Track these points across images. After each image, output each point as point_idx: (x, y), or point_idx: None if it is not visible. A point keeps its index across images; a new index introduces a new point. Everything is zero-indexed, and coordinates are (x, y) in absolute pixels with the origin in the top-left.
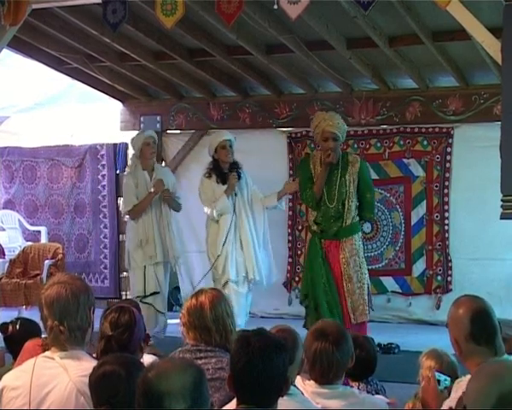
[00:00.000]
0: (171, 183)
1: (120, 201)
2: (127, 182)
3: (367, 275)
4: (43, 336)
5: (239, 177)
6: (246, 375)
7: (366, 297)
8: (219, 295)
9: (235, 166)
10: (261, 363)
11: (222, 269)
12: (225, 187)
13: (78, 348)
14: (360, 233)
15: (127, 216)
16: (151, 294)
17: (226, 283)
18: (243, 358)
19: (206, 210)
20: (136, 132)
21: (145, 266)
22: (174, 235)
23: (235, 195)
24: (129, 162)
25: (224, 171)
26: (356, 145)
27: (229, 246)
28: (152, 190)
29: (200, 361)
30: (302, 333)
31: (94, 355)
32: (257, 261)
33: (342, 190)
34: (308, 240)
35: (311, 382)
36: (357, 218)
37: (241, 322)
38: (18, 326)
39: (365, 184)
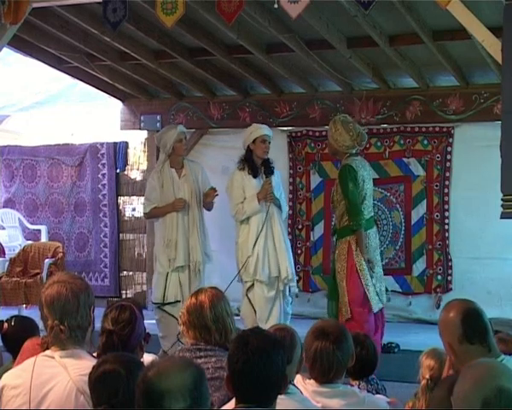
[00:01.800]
0: (202, 180)
1: (120, 200)
2: (152, 182)
3: (344, 285)
4: (41, 334)
5: (272, 172)
6: (245, 374)
7: (342, 300)
8: (219, 295)
9: (267, 163)
10: (260, 361)
11: (253, 270)
12: (255, 182)
13: (79, 348)
14: (348, 239)
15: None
16: (169, 303)
17: (252, 285)
18: (242, 357)
19: (232, 210)
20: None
21: (168, 273)
22: (201, 238)
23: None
24: (130, 161)
25: (256, 165)
26: None
27: (261, 246)
28: (177, 203)
29: (199, 360)
30: (301, 332)
31: (94, 354)
32: (290, 260)
33: (333, 195)
34: None
35: (312, 381)
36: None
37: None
38: (13, 323)
39: (341, 191)
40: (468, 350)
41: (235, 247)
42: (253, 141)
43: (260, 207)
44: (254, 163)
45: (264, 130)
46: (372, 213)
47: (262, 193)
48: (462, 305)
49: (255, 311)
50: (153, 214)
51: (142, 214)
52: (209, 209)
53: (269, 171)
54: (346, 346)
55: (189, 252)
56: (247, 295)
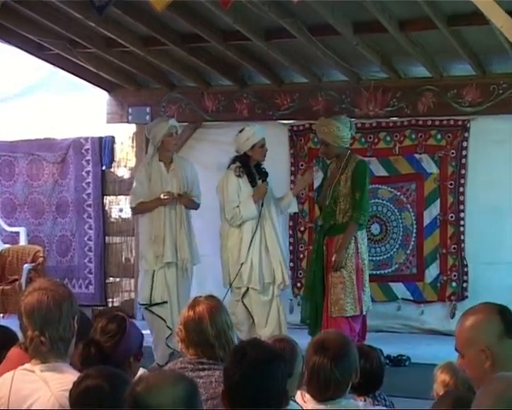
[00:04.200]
0: (190, 177)
1: (106, 199)
2: (139, 175)
3: (354, 275)
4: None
5: (267, 176)
6: (242, 388)
7: (348, 294)
8: (218, 305)
9: (259, 166)
10: (258, 375)
11: (247, 277)
12: (252, 190)
13: (61, 361)
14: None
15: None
16: (156, 303)
17: (247, 291)
18: (238, 370)
19: (227, 213)
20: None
21: (154, 271)
22: (188, 234)
23: (262, 204)
24: (116, 157)
25: (252, 170)
26: (363, 139)
27: (256, 252)
28: (162, 196)
29: (202, 373)
30: (303, 343)
31: None
32: (284, 265)
33: (335, 189)
34: None
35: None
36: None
37: (268, 331)
38: None
39: (355, 183)
40: (510, 345)
41: (222, 249)
42: (252, 147)
43: (257, 211)
44: (251, 169)
45: (260, 134)
46: None
47: (257, 194)
48: (490, 304)
49: (252, 317)
50: (140, 209)
51: (129, 215)
52: (195, 208)
53: (263, 175)
54: (348, 362)
55: (176, 249)
56: (242, 301)
